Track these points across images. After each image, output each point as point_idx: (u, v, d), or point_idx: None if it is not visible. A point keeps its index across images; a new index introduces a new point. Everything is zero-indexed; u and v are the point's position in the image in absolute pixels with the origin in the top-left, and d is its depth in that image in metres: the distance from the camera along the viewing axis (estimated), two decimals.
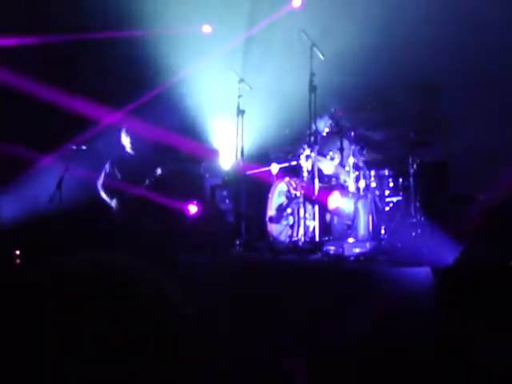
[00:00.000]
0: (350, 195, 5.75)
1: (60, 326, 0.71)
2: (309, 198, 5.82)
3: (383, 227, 5.66)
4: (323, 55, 5.99)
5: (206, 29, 8.10)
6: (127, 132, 6.94)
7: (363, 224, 5.58)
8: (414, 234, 5.47)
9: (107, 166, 6.88)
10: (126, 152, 6.92)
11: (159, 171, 6.71)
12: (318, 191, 5.67)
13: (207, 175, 7.51)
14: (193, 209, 6.82)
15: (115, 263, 0.77)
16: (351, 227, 5.56)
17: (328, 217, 5.89)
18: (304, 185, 5.91)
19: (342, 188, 5.96)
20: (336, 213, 5.77)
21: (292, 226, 5.95)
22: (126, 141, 6.95)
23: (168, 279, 0.83)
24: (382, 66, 7.05)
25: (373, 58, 7.18)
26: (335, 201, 5.73)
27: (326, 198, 5.72)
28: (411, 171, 5.74)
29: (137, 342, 0.71)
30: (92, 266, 0.77)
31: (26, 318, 0.72)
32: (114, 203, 6.74)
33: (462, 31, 6.73)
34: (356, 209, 5.58)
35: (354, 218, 5.57)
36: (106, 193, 6.79)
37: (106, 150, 7.10)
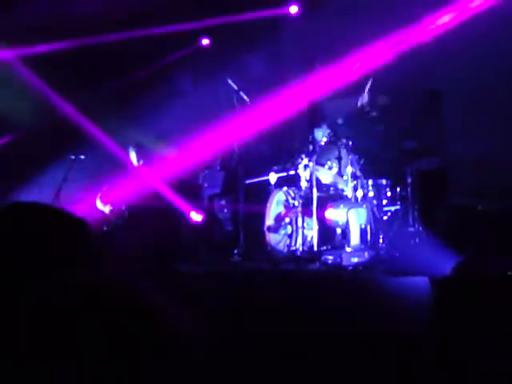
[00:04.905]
0: (342, 206, 5.74)
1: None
2: (307, 214, 5.82)
3: (381, 236, 5.66)
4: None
5: (205, 42, 8.28)
6: (134, 146, 6.85)
7: (355, 233, 5.58)
8: (412, 243, 5.47)
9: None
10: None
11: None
12: (316, 206, 5.68)
13: (206, 184, 7.49)
14: (196, 217, 6.76)
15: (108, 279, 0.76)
16: (344, 236, 5.57)
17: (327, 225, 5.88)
18: (300, 209, 5.87)
19: (337, 199, 5.94)
20: (333, 225, 5.78)
21: (290, 236, 5.93)
22: (133, 155, 6.87)
23: (164, 291, 0.82)
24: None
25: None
26: (330, 215, 5.74)
27: (324, 215, 5.74)
28: (409, 180, 5.74)
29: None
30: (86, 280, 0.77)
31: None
32: (107, 209, 6.66)
33: (464, 41, 6.75)
34: (347, 218, 5.58)
35: (346, 227, 5.57)
36: (102, 202, 6.73)
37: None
